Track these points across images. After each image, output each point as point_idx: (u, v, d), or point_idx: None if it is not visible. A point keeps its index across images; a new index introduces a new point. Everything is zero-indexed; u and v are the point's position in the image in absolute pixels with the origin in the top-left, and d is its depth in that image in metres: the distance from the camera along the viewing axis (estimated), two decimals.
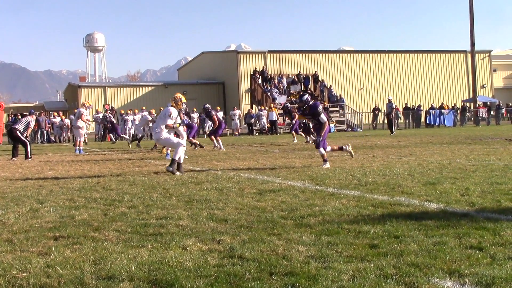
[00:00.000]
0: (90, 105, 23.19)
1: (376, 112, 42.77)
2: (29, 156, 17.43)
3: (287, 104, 27.82)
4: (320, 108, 12.21)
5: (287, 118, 31.37)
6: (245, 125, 38.86)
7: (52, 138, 34.90)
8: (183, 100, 12.08)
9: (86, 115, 21.60)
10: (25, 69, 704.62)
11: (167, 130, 11.67)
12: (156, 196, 8.14)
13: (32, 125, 18.59)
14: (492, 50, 63.35)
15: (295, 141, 23.58)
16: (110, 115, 31.94)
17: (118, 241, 5.28)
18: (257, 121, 38.10)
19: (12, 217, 6.72)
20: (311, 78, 45.68)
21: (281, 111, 33.18)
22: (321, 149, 11.79)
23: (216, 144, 19.91)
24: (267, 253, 4.69)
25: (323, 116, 12.05)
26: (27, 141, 17.82)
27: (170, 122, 11.60)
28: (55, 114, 36.45)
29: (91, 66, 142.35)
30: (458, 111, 44.71)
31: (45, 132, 33.99)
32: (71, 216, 6.75)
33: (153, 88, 52.60)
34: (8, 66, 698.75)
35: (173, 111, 11.67)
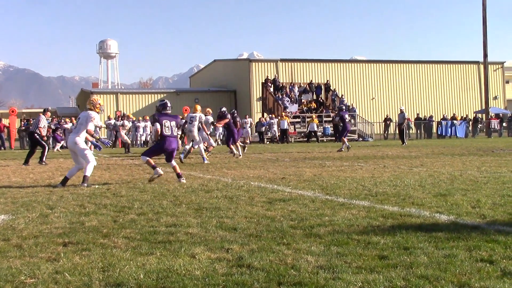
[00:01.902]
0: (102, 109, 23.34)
1: (388, 122, 42.66)
2: (43, 160, 17.47)
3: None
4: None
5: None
6: (256, 134, 38.87)
7: (64, 144, 35.03)
8: (101, 103, 11.60)
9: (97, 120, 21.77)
10: (38, 74, 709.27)
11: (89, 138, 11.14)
12: (166, 204, 8.14)
13: (42, 124, 18.28)
14: (505, 62, 63.07)
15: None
16: (119, 122, 31.91)
17: (127, 248, 5.27)
18: (268, 130, 38.11)
19: (22, 223, 6.74)
20: (322, 87, 45.66)
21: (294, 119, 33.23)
22: None
23: (235, 151, 19.79)
24: (276, 263, 4.67)
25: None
26: (45, 145, 17.88)
27: (91, 127, 10.98)
28: (67, 119, 36.60)
29: (103, 72, 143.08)
30: (470, 122, 44.54)
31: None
32: (81, 222, 6.75)
33: (165, 95, 52.70)
34: (22, 71, 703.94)
35: (95, 115, 11.06)
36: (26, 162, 17.60)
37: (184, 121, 18.62)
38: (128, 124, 24.59)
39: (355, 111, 43.12)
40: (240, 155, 19.56)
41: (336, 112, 20.09)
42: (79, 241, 5.62)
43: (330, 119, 39.90)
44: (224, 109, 21.08)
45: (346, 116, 23.39)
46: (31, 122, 36.03)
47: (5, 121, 37.61)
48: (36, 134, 17.86)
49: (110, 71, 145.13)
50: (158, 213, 7.29)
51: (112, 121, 34.36)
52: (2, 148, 33.14)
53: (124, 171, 14.39)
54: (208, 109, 21.08)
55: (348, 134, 36.23)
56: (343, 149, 22.37)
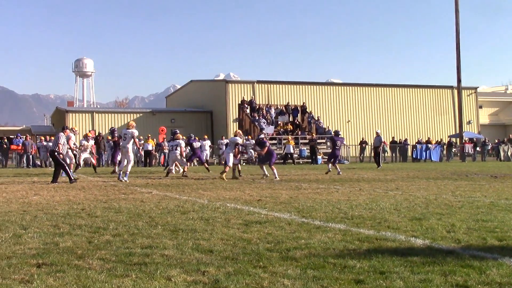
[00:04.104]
0: (76, 130, 23.35)
1: (363, 145, 42.95)
2: (72, 178, 17.22)
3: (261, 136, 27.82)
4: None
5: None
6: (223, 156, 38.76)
7: (38, 162, 34.70)
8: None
9: (73, 141, 21.67)
10: (13, 92, 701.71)
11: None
12: (142, 225, 8.08)
13: (62, 141, 17.75)
14: (478, 87, 64.08)
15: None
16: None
17: (102, 270, 5.22)
18: (245, 150, 38.07)
19: None
20: (299, 109, 45.89)
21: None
22: None
23: (266, 172, 19.94)
24: (252, 286, 4.66)
25: None
26: (64, 164, 17.50)
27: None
28: (42, 138, 36.25)
29: (79, 91, 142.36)
30: (445, 146, 44.99)
31: (30, 156, 33.78)
32: (55, 243, 6.67)
33: (141, 114, 52.55)
34: None
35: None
36: (55, 180, 17.28)
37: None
38: (88, 143, 24.36)
39: (331, 133, 43.31)
40: (266, 176, 19.91)
41: (330, 136, 20.37)
42: (53, 263, 5.55)
43: (307, 141, 40.06)
44: (262, 136, 21.92)
45: (338, 143, 23.38)
46: (5, 140, 35.67)
47: None
48: (55, 153, 17.48)
49: (86, 89, 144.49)
50: (134, 235, 7.23)
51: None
52: None
53: (99, 191, 14.27)
54: (238, 130, 23.01)
55: (324, 156, 36.35)
56: (340, 172, 22.37)
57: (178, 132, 22.82)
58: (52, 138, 34.52)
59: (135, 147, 18.26)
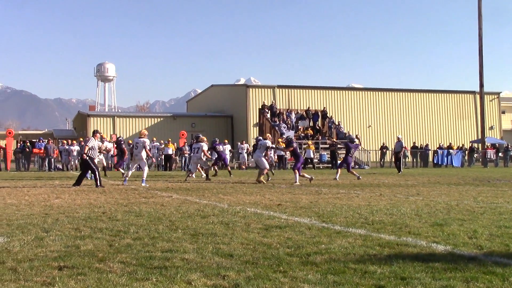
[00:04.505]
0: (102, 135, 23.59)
1: (384, 150, 42.71)
2: (99, 184, 17.14)
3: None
4: None
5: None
6: (253, 159, 38.81)
7: (59, 166, 34.99)
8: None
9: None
10: (36, 96, 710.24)
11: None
12: (162, 229, 8.10)
13: (91, 144, 17.74)
14: (501, 92, 63.47)
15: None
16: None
17: (123, 273, 5.24)
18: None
19: (17, 245, 6.69)
20: (319, 114, 45.81)
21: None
22: None
23: (298, 177, 19.92)
24: None
25: None
26: (94, 168, 17.48)
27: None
28: (64, 142, 36.54)
29: (101, 95, 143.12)
30: (466, 152, 44.62)
31: (52, 160, 34.07)
32: (76, 246, 6.71)
33: (162, 119, 52.83)
34: (19, 93, 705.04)
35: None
36: (78, 183, 17.39)
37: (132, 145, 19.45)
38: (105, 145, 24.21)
39: (349, 138, 43.14)
40: (311, 178, 20.13)
41: (346, 142, 20.54)
42: (74, 265, 5.58)
43: (327, 146, 39.97)
44: (290, 137, 21.99)
45: (352, 150, 23.32)
46: (28, 143, 36.08)
47: (2, 142, 37.53)
48: (85, 156, 17.50)
49: (107, 94, 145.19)
50: (154, 238, 7.25)
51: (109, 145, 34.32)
52: None
53: (120, 194, 14.35)
54: (268, 134, 23.78)
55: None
56: (360, 177, 22.23)
57: (201, 136, 23.08)
58: (74, 142, 34.89)
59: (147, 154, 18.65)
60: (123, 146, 26.16)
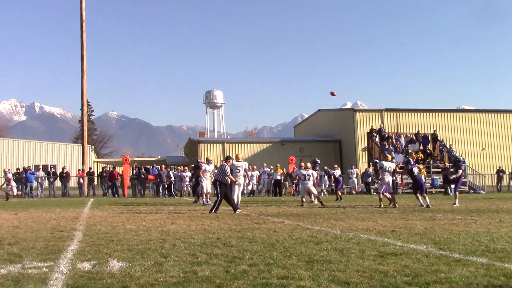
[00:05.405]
0: (211, 160, 23.90)
1: (501, 173, 40.88)
2: (215, 210, 17.31)
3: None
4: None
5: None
6: (362, 184, 38.39)
7: (174, 192, 36.03)
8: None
9: (208, 170, 22.52)
10: (148, 124, 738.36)
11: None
12: (276, 255, 8.14)
13: (226, 169, 17.62)
14: None
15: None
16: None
17: None
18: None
19: (139, 270, 6.94)
20: (430, 138, 44.67)
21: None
22: None
23: (421, 203, 19.85)
24: None
25: None
26: (220, 195, 17.42)
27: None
28: (179, 168, 37.63)
29: (210, 122, 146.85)
30: None
31: (166, 186, 35.16)
32: (194, 271, 6.87)
33: (270, 144, 53.34)
34: (133, 121, 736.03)
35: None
36: (214, 209, 17.43)
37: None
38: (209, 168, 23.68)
39: (464, 162, 41.71)
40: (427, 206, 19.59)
41: (453, 164, 19.95)
42: None
43: (439, 170, 38.83)
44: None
45: (460, 171, 22.40)
46: (142, 169, 37.42)
47: (119, 169, 39.23)
48: (217, 182, 17.55)
49: (216, 120, 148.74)
50: (269, 265, 7.30)
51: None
52: (116, 196, 34.49)
53: (233, 220, 14.57)
54: (388, 155, 24.62)
55: (460, 186, 35.03)
56: (456, 203, 21.26)
57: (318, 162, 23.25)
58: (186, 168, 35.83)
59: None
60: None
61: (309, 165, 22.77)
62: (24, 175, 35.72)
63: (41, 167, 49.71)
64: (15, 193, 30.76)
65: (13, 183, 30.84)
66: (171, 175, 34.08)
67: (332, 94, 26.39)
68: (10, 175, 31.33)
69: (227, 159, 18.27)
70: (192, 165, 33.09)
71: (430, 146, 44.07)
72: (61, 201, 27.43)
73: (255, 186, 35.35)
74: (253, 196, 33.37)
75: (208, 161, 23.50)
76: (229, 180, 17.93)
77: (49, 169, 44.67)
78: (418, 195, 20.00)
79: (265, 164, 37.63)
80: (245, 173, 19.55)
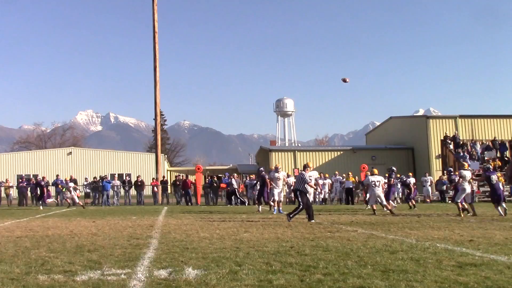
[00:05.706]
0: (280, 168, 24.00)
1: None
2: (291, 217, 17.25)
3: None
4: None
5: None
6: (437, 192, 37.55)
7: (245, 200, 36.26)
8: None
9: (278, 177, 22.72)
10: (220, 133, 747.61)
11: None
12: (351, 264, 8.07)
13: (306, 177, 17.40)
14: None
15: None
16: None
17: None
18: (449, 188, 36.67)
19: (214, 278, 7.01)
20: (507, 145, 43.29)
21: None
22: None
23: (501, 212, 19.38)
24: None
25: None
26: (302, 204, 17.36)
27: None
28: (252, 176, 37.84)
29: (280, 130, 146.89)
30: None
31: (237, 194, 35.40)
32: (269, 280, 6.89)
33: (341, 152, 52.91)
34: (205, 130, 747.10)
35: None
36: (310, 217, 17.28)
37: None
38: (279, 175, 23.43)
39: None
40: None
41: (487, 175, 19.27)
42: None
43: None
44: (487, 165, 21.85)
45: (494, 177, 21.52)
46: (215, 178, 37.89)
47: (192, 178, 39.84)
48: (298, 191, 17.54)
49: (287, 128, 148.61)
50: (344, 274, 7.25)
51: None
52: (189, 204, 34.96)
53: (305, 229, 14.53)
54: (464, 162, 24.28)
55: None
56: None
57: (395, 170, 23.21)
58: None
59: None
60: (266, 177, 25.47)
61: (376, 171, 22.44)
62: (101, 184, 36.74)
63: (116, 175, 51.00)
64: (76, 201, 31.11)
65: (73, 192, 31.23)
66: (233, 182, 34.08)
67: (344, 80, 25.89)
68: (72, 184, 31.92)
69: (304, 167, 18.02)
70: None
71: (507, 153, 42.72)
72: (136, 209, 28.06)
73: (327, 194, 35.11)
74: (325, 205, 33.15)
75: (276, 169, 23.54)
76: (310, 189, 17.97)
77: (124, 178, 45.78)
78: (495, 204, 19.34)
79: (337, 172, 37.35)
80: (315, 182, 19.81)
